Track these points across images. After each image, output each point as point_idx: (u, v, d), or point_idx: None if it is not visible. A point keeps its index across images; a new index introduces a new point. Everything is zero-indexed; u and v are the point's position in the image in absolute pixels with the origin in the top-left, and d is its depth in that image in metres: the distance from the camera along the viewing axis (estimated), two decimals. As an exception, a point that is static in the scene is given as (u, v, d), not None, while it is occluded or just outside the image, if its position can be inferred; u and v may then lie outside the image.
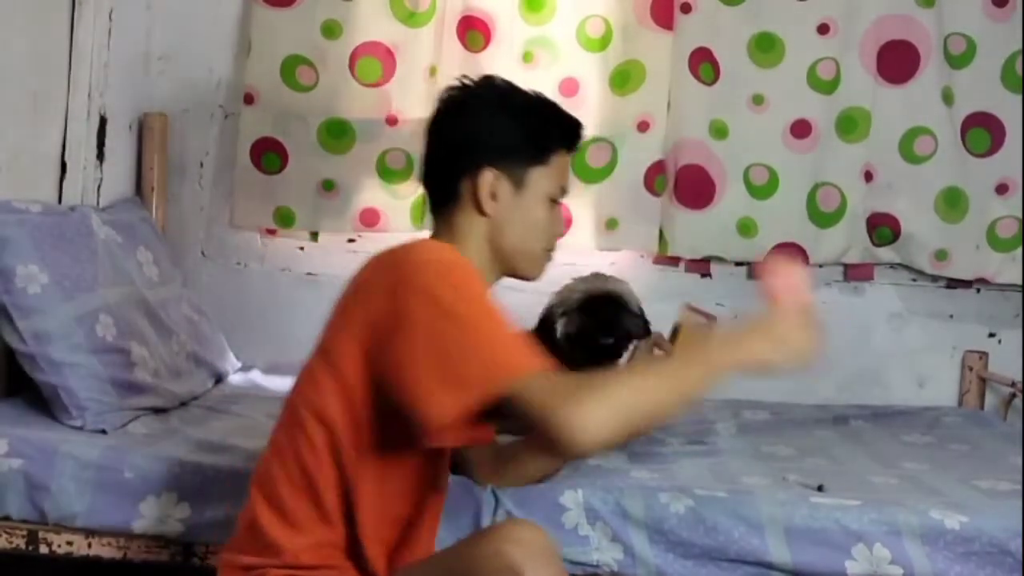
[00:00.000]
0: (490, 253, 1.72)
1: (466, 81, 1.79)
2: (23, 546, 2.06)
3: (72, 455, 2.06)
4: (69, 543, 2.06)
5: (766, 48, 2.98)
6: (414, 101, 2.99)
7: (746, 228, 3.01)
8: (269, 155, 3.02)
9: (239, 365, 2.93)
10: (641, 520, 1.94)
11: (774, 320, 1.58)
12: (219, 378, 2.78)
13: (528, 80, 2.88)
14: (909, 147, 3.00)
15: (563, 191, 1.78)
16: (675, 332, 1.99)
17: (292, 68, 2.99)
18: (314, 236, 3.10)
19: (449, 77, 2.96)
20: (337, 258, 3.10)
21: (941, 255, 3.02)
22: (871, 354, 3.10)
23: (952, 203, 3.00)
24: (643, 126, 3.00)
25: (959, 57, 2.98)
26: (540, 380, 1.47)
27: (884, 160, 3.01)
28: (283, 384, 2.79)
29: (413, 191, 3.03)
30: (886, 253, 3.06)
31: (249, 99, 3.01)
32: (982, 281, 3.05)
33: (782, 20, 2.98)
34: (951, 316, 3.11)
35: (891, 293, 3.12)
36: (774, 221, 3.01)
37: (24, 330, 2.22)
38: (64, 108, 2.80)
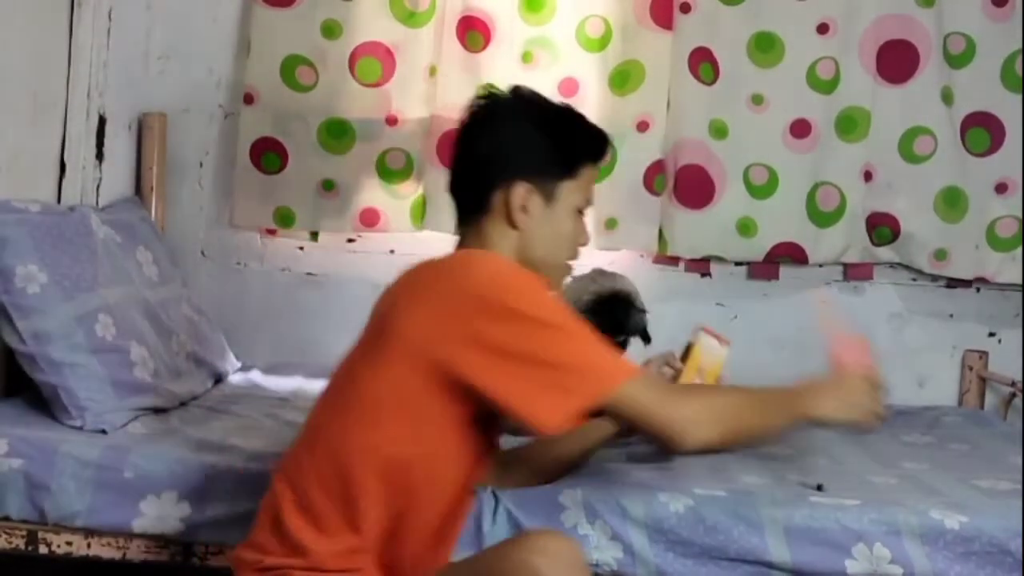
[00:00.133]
0: (517, 263, 1.74)
1: (495, 92, 1.81)
2: (22, 546, 2.06)
3: (72, 455, 2.06)
4: (68, 543, 2.06)
5: (766, 48, 2.99)
6: (414, 101, 3.00)
7: (746, 228, 3.02)
8: (269, 155, 3.02)
9: (239, 365, 2.93)
10: (641, 519, 1.94)
11: (845, 382, 1.72)
12: (219, 378, 2.78)
13: (528, 80, 2.90)
14: (909, 147, 3.00)
15: (589, 202, 1.82)
16: (687, 351, 2.00)
17: (292, 68, 2.99)
18: (314, 236, 3.10)
19: (449, 77, 3.01)
20: (337, 258, 3.11)
21: (940, 255, 3.02)
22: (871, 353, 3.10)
23: (952, 203, 3.00)
24: (643, 126, 3.00)
25: (959, 57, 2.98)
26: (641, 385, 1.59)
27: (884, 160, 3.01)
28: (283, 384, 2.80)
29: (413, 191, 3.03)
30: (885, 253, 3.06)
31: (249, 99, 3.01)
32: (982, 280, 3.05)
33: (782, 20, 2.98)
34: (951, 316, 3.11)
35: (891, 293, 3.12)
36: (774, 221, 3.01)
37: (24, 330, 2.21)
38: (63, 108, 2.80)
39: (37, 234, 2.27)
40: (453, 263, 1.68)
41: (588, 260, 2.87)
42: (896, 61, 2.99)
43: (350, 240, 3.12)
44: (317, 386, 2.74)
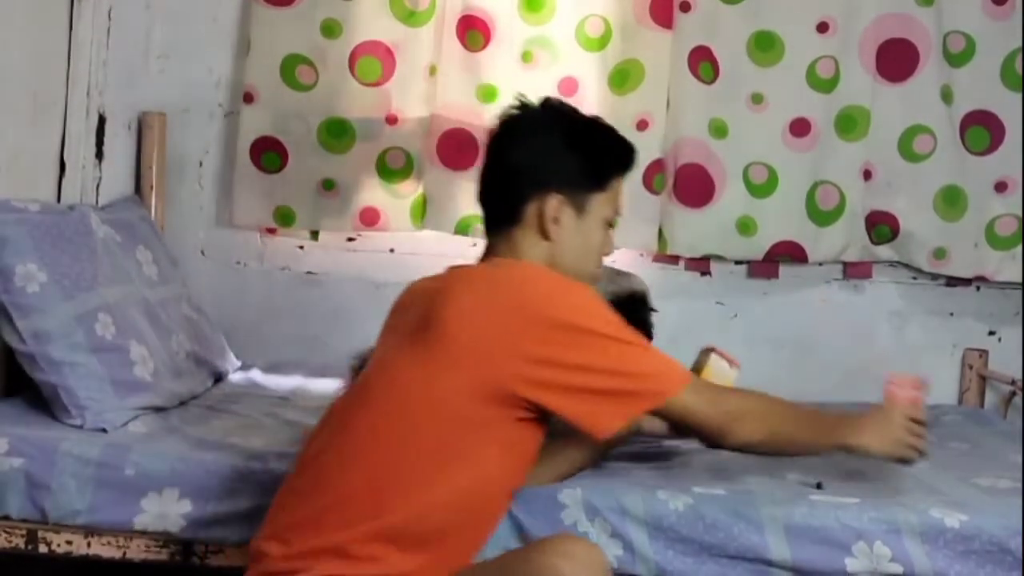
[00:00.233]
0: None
1: (526, 102, 1.85)
2: (22, 545, 2.06)
3: (72, 453, 2.07)
4: (68, 542, 2.06)
5: (765, 47, 2.98)
6: (414, 100, 3.00)
7: (745, 227, 3.02)
8: (269, 154, 3.01)
9: (239, 364, 2.93)
10: (641, 517, 1.94)
11: (890, 418, 1.88)
12: (219, 377, 2.78)
13: (527, 79, 2.95)
14: (908, 145, 3.00)
15: (618, 214, 1.86)
16: (695, 371, 2.03)
17: (292, 67, 2.99)
18: (314, 235, 3.10)
19: (449, 76, 3.01)
20: (337, 257, 3.11)
21: (940, 253, 3.02)
22: (871, 352, 3.10)
23: (951, 201, 3.00)
24: (642, 125, 3.00)
25: (958, 55, 2.98)
26: (694, 389, 1.73)
27: (883, 158, 3.01)
28: (283, 383, 2.80)
29: (413, 190, 3.03)
30: (885, 251, 3.06)
31: (249, 98, 3.01)
32: (981, 279, 3.05)
33: (781, 19, 2.98)
34: (951, 314, 3.11)
35: (891, 291, 3.12)
36: (773, 220, 3.01)
37: (23, 329, 2.21)
38: (63, 107, 2.80)
39: (37, 233, 2.27)
40: (511, 277, 1.71)
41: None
42: (896, 60, 2.98)
43: (350, 239, 3.12)
44: (317, 385, 2.78)
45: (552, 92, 2.92)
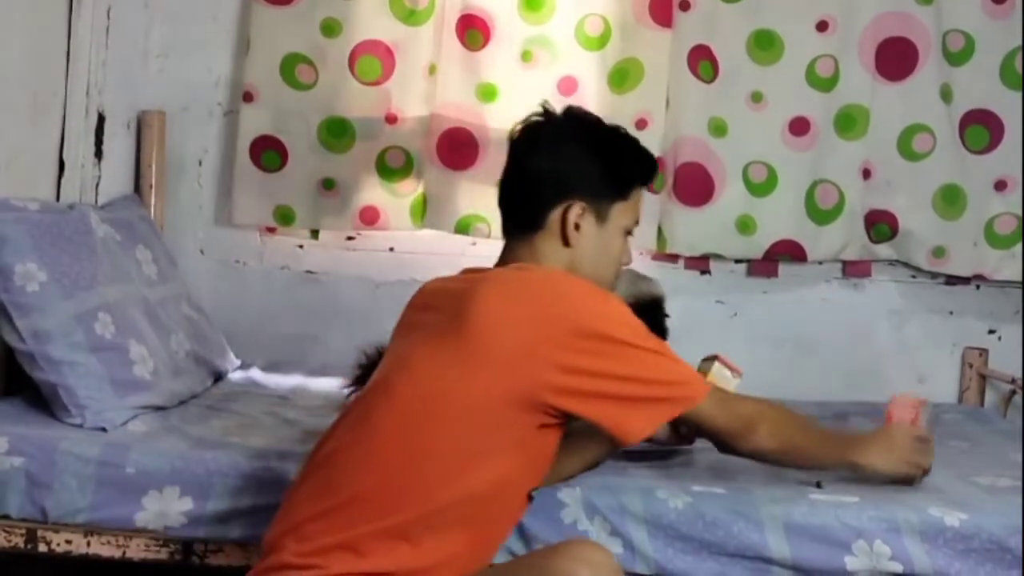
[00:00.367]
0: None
1: (550, 110, 1.86)
2: (22, 545, 2.06)
3: (72, 452, 2.07)
4: (68, 542, 2.06)
5: (765, 45, 2.98)
6: (414, 99, 2.99)
7: (745, 225, 3.02)
8: (268, 153, 3.01)
9: (238, 363, 2.93)
10: (640, 515, 1.94)
11: (895, 438, 1.96)
12: (218, 376, 2.78)
13: (527, 79, 2.95)
14: (907, 144, 3.00)
15: (637, 223, 1.90)
16: None
17: (292, 66, 2.99)
18: (314, 234, 3.10)
19: (449, 75, 3.01)
20: (337, 256, 3.11)
21: (939, 252, 3.02)
22: (871, 350, 3.10)
23: (950, 200, 3.00)
24: (642, 124, 2.99)
25: (958, 54, 2.98)
26: (715, 397, 1.78)
27: (882, 157, 3.01)
28: (283, 382, 2.80)
29: (413, 189, 3.03)
30: (884, 250, 3.06)
31: (248, 97, 3.01)
32: (980, 278, 3.05)
33: (781, 17, 2.98)
34: (951, 313, 3.11)
35: (891, 290, 3.12)
36: (773, 218, 3.01)
37: (23, 329, 2.21)
38: (62, 106, 2.80)
39: (36, 232, 2.27)
40: (543, 284, 1.73)
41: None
42: (895, 58, 2.98)
43: (350, 238, 3.12)
44: (317, 384, 2.78)
45: (552, 91, 2.93)
